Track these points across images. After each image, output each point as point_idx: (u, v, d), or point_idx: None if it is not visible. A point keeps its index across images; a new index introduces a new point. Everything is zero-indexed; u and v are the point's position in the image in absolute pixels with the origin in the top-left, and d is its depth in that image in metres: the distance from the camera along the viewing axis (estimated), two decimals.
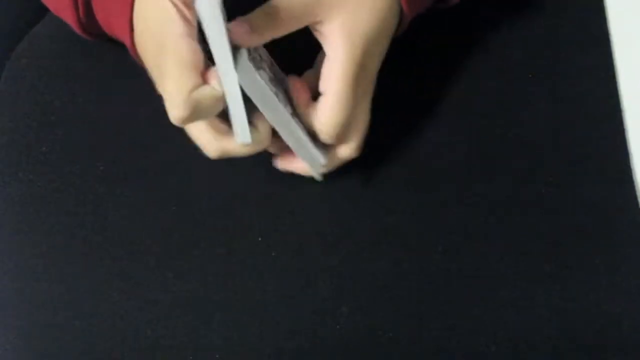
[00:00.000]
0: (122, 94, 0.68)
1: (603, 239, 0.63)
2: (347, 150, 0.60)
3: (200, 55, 0.55)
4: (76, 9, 0.63)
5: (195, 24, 0.55)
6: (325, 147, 0.60)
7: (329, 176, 0.63)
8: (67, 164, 0.67)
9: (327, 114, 0.57)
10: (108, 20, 0.62)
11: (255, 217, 0.64)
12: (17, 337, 0.63)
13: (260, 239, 0.63)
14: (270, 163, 0.63)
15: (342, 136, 0.59)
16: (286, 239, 0.63)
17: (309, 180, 0.63)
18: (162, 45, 0.55)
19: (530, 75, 0.67)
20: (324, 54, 0.58)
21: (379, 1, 0.58)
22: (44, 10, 0.72)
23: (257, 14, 0.55)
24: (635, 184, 0.61)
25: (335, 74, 0.57)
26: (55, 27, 0.71)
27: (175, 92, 0.54)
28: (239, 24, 0.54)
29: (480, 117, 0.66)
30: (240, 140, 0.56)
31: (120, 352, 0.62)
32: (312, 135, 0.59)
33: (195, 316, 0.62)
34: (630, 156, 0.60)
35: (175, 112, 0.54)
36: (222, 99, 0.55)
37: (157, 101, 0.62)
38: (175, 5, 0.55)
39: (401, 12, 0.60)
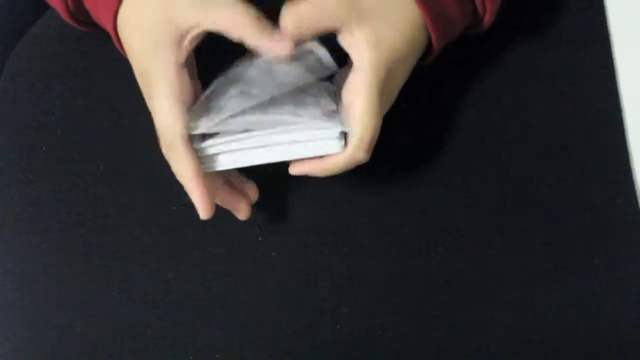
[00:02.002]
0: (122, 94, 0.68)
1: (603, 239, 0.63)
2: (361, 154, 0.59)
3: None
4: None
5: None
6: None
7: (329, 177, 0.63)
8: (67, 164, 0.67)
9: (355, 128, 0.57)
10: (95, 7, 0.62)
11: (255, 217, 0.64)
12: (17, 337, 0.63)
13: (260, 239, 0.63)
14: (270, 163, 0.63)
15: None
16: (286, 239, 0.63)
17: (309, 180, 0.63)
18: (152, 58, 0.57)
19: (530, 75, 0.67)
20: (345, 71, 0.59)
21: (404, 21, 0.58)
22: (44, 10, 0.71)
23: (288, 18, 0.56)
24: (635, 184, 0.61)
25: (363, 82, 0.57)
26: (55, 27, 0.71)
27: (170, 112, 0.57)
28: (280, 39, 0.56)
29: (480, 117, 0.66)
30: None
31: (120, 352, 0.62)
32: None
33: (195, 316, 0.62)
34: (630, 156, 0.60)
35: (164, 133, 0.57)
36: None
37: None
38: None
39: (430, 42, 0.60)
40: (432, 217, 0.63)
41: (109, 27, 0.60)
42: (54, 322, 0.63)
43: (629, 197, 0.62)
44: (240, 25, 0.56)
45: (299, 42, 0.57)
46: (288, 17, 0.56)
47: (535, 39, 0.68)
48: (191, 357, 0.61)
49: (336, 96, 0.60)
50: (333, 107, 0.58)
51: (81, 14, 0.64)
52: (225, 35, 0.57)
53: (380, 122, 0.57)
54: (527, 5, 0.66)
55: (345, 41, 0.57)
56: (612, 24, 0.61)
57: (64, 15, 0.64)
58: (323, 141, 0.57)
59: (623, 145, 0.61)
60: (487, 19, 0.61)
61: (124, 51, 0.61)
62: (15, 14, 0.82)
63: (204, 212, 0.58)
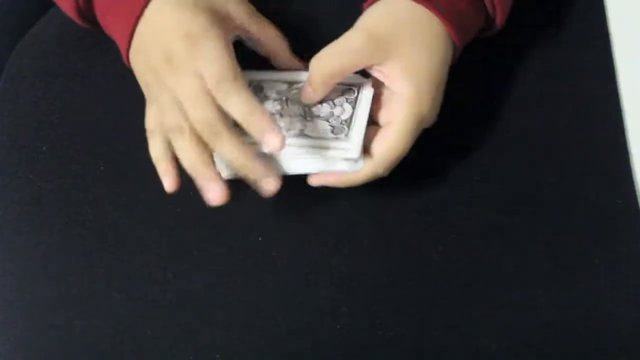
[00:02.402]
0: (122, 94, 0.68)
1: (603, 239, 0.63)
2: (382, 171, 0.60)
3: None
4: None
5: None
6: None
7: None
8: (67, 164, 0.67)
9: (386, 145, 0.58)
10: (106, 16, 0.63)
11: (255, 217, 0.64)
12: (17, 337, 0.63)
13: (260, 239, 0.63)
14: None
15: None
16: (286, 239, 0.63)
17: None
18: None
19: (530, 75, 0.67)
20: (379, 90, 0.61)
21: (435, 43, 0.60)
22: (44, 10, 0.72)
23: (319, 65, 0.58)
24: (635, 184, 0.61)
25: (401, 109, 0.58)
26: (55, 27, 0.71)
27: (233, 65, 0.57)
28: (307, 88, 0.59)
29: (480, 117, 0.66)
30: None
31: (120, 352, 0.62)
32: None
33: (195, 316, 0.62)
34: (630, 156, 0.60)
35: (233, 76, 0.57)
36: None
37: None
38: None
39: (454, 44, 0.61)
40: (432, 217, 0.63)
41: (121, 42, 0.62)
42: (54, 322, 0.63)
43: (629, 197, 0.62)
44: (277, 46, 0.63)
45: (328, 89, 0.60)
46: (314, 70, 0.59)
47: (535, 39, 0.68)
48: (191, 357, 0.61)
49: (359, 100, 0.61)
50: (344, 124, 0.60)
51: (90, 13, 0.64)
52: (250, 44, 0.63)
53: (409, 147, 0.59)
54: (527, 5, 0.66)
55: (380, 75, 0.59)
56: (612, 24, 0.61)
57: (72, 13, 0.64)
58: (341, 161, 0.59)
59: (623, 145, 0.61)
60: (499, 20, 0.62)
61: (127, 55, 0.62)
62: (15, 14, 0.82)
63: (281, 143, 0.57)
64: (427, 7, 0.59)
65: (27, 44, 0.73)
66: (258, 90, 0.62)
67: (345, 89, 0.61)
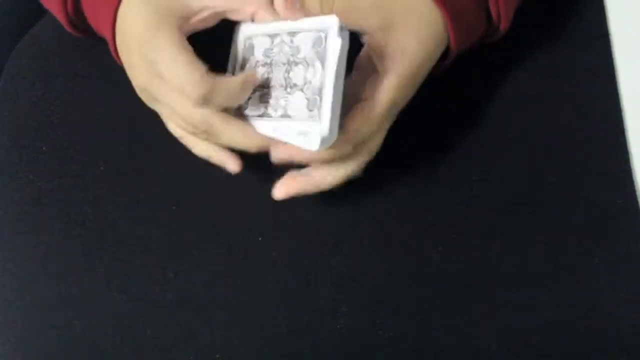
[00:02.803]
0: (122, 94, 0.68)
1: (603, 239, 0.63)
2: (354, 168, 0.59)
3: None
4: (64, 3, 0.63)
5: None
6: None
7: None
8: (67, 164, 0.67)
9: (359, 118, 0.57)
10: (95, 16, 0.63)
11: (255, 217, 0.64)
12: (17, 337, 0.63)
13: (260, 238, 0.63)
14: (270, 163, 0.63)
15: (354, 152, 0.58)
16: (286, 239, 0.63)
17: None
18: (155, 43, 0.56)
19: (530, 75, 0.67)
20: (364, 66, 0.58)
21: (427, 30, 0.59)
22: (44, 10, 0.72)
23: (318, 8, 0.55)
24: (635, 184, 0.61)
25: (383, 88, 0.57)
26: (55, 27, 0.71)
27: (189, 70, 0.54)
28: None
29: (480, 117, 0.66)
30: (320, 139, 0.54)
31: (120, 352, 0.62)
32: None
33: (195, 316, 0.62)
34: (630, 156, 0.59)
35: (194, 89, 0.54)
36: (249, 87, 0.57)
37: None
38: None
39: (447, 48, 0.61)
40: (432, 217, 0.63)
41: (107, 30, 0.60)
42: (54, 322, 0.63)
43: (629, 197, 0.62)
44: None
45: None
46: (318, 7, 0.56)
47: (535, 39, 0.68)
48: (191, 357, 0.61)
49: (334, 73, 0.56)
50: (317, 94, 0.56)
51: (82, 23, 0.64)
52: (230, 16, 0.59)
53: (384, 134, 0.58)
54: (526, 5, 0.66)
55: (370, 44, 0.57)
56: (612, 24, 0.61)
57: (65, 24, 0.65)
58: (305, 136, 0.56)
59: (623, 145, 0.61)
60: (503, 26, 0.62)
61: (119, 58, 0.62)
62: (15, 14, 0.82)
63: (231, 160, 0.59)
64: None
65: (27, 44, 0.73)
66: (249, 53, 0.60)
67: (315, 36, 0.55)
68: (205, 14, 0.58)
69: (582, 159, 0.65)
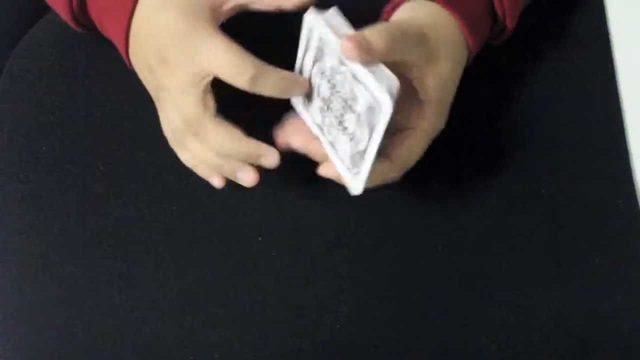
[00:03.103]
0: (122, 94, 0.68)
1: (603, 239, 0.63)
2: (396, 175, 0.59)
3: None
4: (70, 2, 0.63)
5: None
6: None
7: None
8: (67, 164, 0.67)
9: (407, 147, 0.58)
10: (101, 19, 0.63)
11: (255, 217, 0.64)
12: (17, 337, 0.63)
13: (260, 238, 0.63)
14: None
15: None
16: (286, 239, 0.63)
17: (310, 180, 0.63)
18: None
19: (530, 75, 0.67)
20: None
21: (459, 53, 0.60)
22: (44, 10, 0.72)
23: (373, 32, 0.53)
24: (635, 184, 0.61)
25: (425, 117, 0.58)
26: (55, 27, 0.71)
27: (239, 55, 0.55)
28: (351, 40, 0.52)
29: (480, 117, 0.66)
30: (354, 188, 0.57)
31: (120, 352, 0.62)
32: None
33: (195, 316, 0.62)
34: (630, 156, 0.59)
35: (247, 70, 0.54)
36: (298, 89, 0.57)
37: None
38: None
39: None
40: (432, 217, 0.63)
41: (119, 36, 0.61)
42: (54, 322, 0.63)
43: (629, 197, 0.62)
44: None
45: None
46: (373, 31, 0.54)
47: (535, 39, 0.68)
48: (191, 357, 0.61)
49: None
50: (361, 155, 0.57)
51: (85, 18, 0.64)
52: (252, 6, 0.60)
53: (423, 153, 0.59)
54: (527, 6, 0.66)
55: (413, 75, 0.57)
56: (612, 24, 0.61)
57: (67, 18, 0.65)
58: (349, 179, 0.58)
59: (623, 145, 0.61)
60: (509, 27, 0.62)
61: (128, 56, 0.61)
62: (15, 15, 0.82)
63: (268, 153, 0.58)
64: (453, 14, 0.58)
65: (27, 44, 0.73)
66: (319, 56, 0.58)
67: (371, 102, 0.55)
68: (231, 4, 0.59)
69: (582, 158, 0.65)
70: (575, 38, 0.69)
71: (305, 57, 0.59)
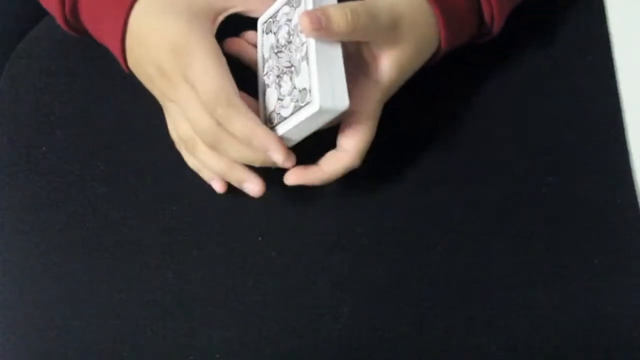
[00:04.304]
0: (122, 94, 0.68)
1: (603, 239, 0.63)
2: (358, 162, 0.59)
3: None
4: (62, 5, 0.63)
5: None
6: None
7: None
8: (67, 164, 0.67)
9: (358, 136, 0.58)
10: (95, 30, 0.63)
11: (255, 217, 0.64)
12: (17, 337, 0.63)
13: (260, 239, 0.63)
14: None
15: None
16: (286, 239, 0.63)
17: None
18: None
19: (530, 75, 0.67)
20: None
21: (426, 39, 0.59)
22: (44, 11, 0.72)
23: (339, 12, 0.53)
24: (635, 184, 0.61)
25: (376, 99, 0.58)
26: (56, 27, 0.71)
27: (218, 81, 0.55)
28: (312, 15, 0.52)
29: (480, 116, 0.66)
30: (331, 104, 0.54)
31: (120, 352, 0.62)
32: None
33: (195, 316, 0.62)
34: (630, 156, 0.60)
35: (218, 102, 0.55)
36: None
37: (156, 101, 0.62)
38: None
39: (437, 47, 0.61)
40: (432, 217, 0.63)
41: (115, 40, 0.61)
42: (54, 322, 0.63)
43: (629, 197, 0.62)
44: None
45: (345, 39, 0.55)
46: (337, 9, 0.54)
47: (535, 39, 0.68)
48: (191, 357, 0.61)
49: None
50: (288, 111, 0.57)
51: (78, 23, 0.64)
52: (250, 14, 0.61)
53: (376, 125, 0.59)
54: (526, 5, 0.66)
55: (370, 54, 0.57)
56: (612, 24, 0.61)
57: (63, 25, 0.65)
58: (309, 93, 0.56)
59: (623, 145, 0.61)
60: (496, 27, 0.62)
61: (126, 66, 0.62)
62: (15, 15, 0.82)
63: (287, 156, 0.56)
64: (434, 8, 0.58)
65: (27, 44, 0.73)
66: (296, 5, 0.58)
67: (306, 87, 0.55)
68: (230, 12, 0.60)
69: (582, 158, 0.65)
70: (575, 38, 0.69)
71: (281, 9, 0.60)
